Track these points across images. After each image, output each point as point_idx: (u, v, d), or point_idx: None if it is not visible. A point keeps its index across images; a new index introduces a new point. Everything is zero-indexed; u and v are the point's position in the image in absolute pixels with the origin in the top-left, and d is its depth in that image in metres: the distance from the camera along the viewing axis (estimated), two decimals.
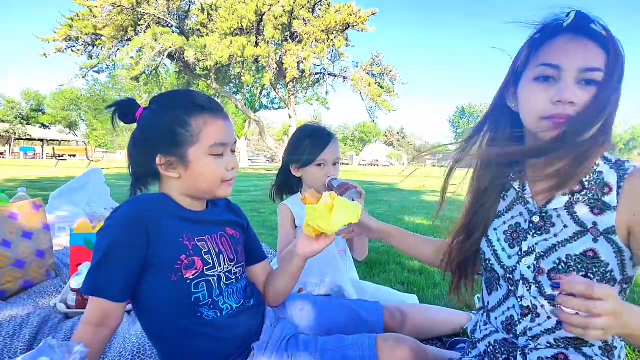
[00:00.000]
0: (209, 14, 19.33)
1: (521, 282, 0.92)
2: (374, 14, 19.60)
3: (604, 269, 0.84)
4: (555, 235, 0.89)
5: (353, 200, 1.51)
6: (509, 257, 0.96)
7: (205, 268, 1.04)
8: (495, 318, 1.01)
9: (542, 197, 0.93)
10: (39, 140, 42.39)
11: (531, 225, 0.94)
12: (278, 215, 1.68)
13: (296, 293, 1.52)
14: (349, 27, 19.51)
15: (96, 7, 17.48)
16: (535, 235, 0.93)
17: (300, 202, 1.74)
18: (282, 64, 19.51)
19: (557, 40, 0.85)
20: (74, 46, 18.88)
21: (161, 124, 1.03)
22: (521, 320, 0.93)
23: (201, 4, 19.46)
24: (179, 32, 19.30)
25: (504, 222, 1.00)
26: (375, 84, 20.62)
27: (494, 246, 1.00)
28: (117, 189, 4.21)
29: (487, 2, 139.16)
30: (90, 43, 19.01)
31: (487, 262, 1.02)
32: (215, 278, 1.07)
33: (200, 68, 19.31)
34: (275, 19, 18.60)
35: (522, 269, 0.92)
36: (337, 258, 1.59)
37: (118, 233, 0.98)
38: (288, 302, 1.37)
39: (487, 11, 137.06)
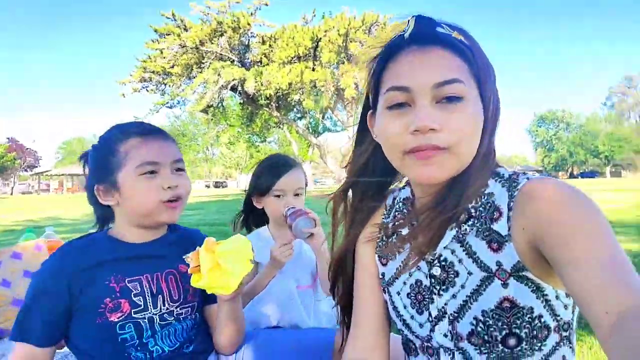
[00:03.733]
0: (270, 45, 20.20)
1: (442, 349, 0.75)
2: None
3: (529, 316, 0.66)
4: (463, 287, 0.71)
5: (304, 230, 1.35)
6: (420, 325, 0.77)
7: (133, 311, 1.02)
8: None
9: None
10: None
11: (433, 280, 0.75)
12: None
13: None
14: None
15: (165, 49, 19.14)
16: (441, 292, 0.74)
17: (261, 235, 1.60)
18: (340, 86, 19.69)
19: (401, 56, 0.71)
20: (148, 86, 20.79)
21: (96, 157, 1.09)
22: None
23: (262, 37, 20.42)
24: (240, 65, 20.37)
25: (404, 282, 0.80)
26: None
27: (402, 315, 0.81)
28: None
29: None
30: (161, 82, 20.79)
31: (401, 332, 0.84)
32: (146, 320, 1.03)
33: (262, 97, 20.11)
34: (331, 42, 18.91)
35: (438, 339, 0.74)
36: (295, 297, 1.43)
37: (42, 283, 1.01)
38: None
39: (567, 10, 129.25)
